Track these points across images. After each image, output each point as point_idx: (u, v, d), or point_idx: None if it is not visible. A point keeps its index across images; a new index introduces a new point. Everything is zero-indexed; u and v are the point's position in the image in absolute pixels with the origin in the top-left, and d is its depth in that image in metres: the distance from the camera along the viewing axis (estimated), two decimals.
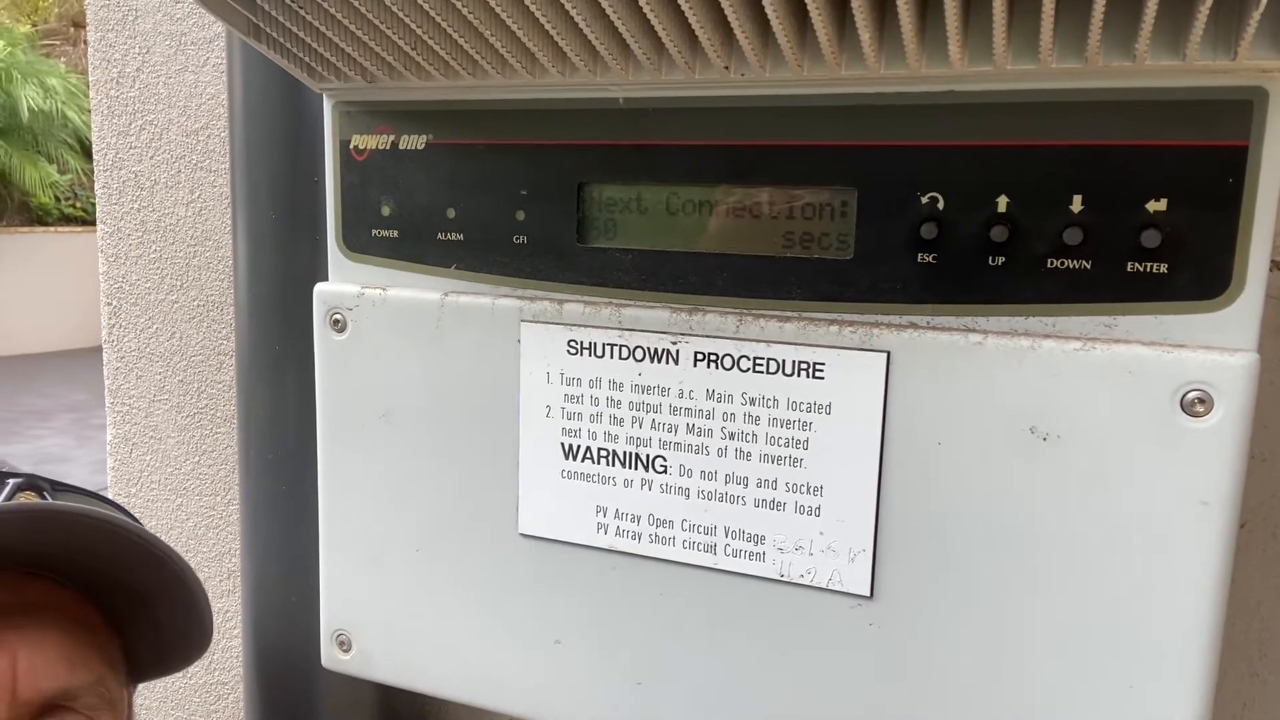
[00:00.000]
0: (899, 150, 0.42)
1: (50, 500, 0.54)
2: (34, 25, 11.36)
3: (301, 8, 0.44)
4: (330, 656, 0.59)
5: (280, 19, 0.45)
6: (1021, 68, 0.38)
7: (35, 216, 10.77)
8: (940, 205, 0.41)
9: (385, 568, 0.56)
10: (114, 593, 0.55)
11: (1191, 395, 0.38)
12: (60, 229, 10.75)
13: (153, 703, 0.93)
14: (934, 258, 0.42)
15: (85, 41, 0.83)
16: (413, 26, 0.43)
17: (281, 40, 0.47)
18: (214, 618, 0.59)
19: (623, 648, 0.51)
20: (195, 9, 0.80)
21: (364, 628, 0.58)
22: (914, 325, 0.43)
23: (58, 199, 10.83)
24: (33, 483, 0.55)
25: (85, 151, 10.35)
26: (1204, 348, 0.38)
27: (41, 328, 10.45)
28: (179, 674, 0.92)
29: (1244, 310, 0.38)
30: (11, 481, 0.54)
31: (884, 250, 0.43)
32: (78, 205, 10.98)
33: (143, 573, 0.54)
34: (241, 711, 0.79)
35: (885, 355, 0.43)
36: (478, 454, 0.52)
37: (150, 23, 0.81)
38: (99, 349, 0.86)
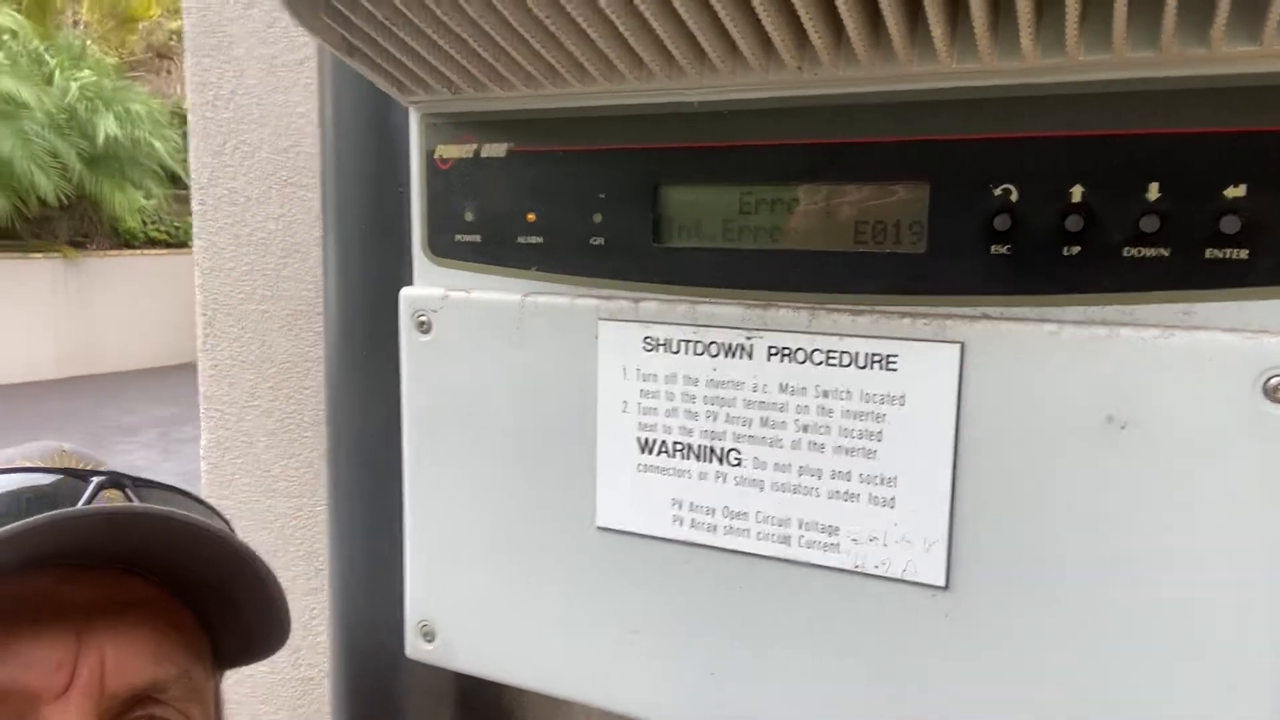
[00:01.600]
0: (971, 144, 0.42)
1: (133, 500, 0.55)
2: (122, 58, 11.91)
3: (394, 25, 0.47)
4: (414, 646, 0.62)
5: (375, 37, 0.48)
6: (1095, 58, 0.39)
7: (123, 240, 11.26)
8: (1013, 197, 0.42)
9: (467, 560, 0.58)
10: (200, 589, 0.57)
11: (1275, 381, 0.38)
12: (146, 251, 11.22)
13: (241, 696, 0.97)
14: (1008, 249, 0.42)
15: (169, 72, 0.88)
16: (496, 38, 0.46)
17: (374, 57, 0.50)
18: (302, 613, 0.61)
19: (698, 638, 0.52)
20: (286, 34, 0.84)
21: (446, 618, 0.60)
22: (987, 316, 0.43)
23: (144, 223, 11.30)
24: (116, 480, 0.56)
25: (169, 178, 10.80)
26: None
27: (129, 346, 10.90)
28: (268, 669, 0.96)
29: None
30: (95, 480, 0.55)
31: (957, 243, 0.43)
32: (162, 229, 11.44)
33: (223, 570, 0.56)
34: (328, 705, 0.83)
35: (959, 347, 0.43)
36: (557, 449, 0.54)
37: (244, 48, 0.86)
38: (182, 366, 0.90)
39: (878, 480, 0.46)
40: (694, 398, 0.50)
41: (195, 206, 0.90)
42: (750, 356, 0.48)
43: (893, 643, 0.47)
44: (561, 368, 0.53)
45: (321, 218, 0.70)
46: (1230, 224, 0.38)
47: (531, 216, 0.53)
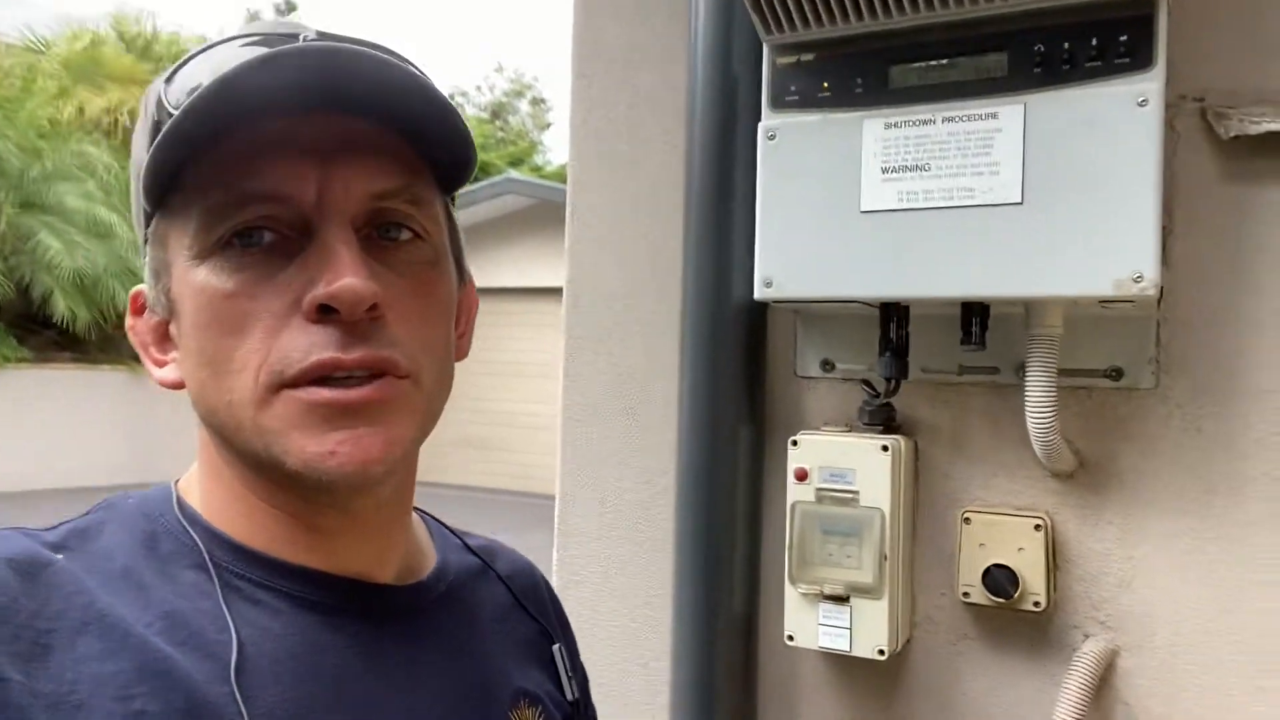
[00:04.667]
0: None
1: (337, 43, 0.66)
2: None
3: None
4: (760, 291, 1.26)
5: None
6: None
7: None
8: None
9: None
10: (408, 124, 0.69)
11: None
12: None
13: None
14: None
15: None
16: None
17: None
18: None
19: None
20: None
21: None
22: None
23: None
24: (321, 35, 0.68)
25: None
26: None
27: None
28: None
29: None
30: (303, 34, 0.67)
31: None
32: None
33: (419, 103, 0.67)
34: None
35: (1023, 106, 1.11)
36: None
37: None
38: None
39: (992, 166, 1.12)
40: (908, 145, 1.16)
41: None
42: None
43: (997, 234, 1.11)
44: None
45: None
46: None
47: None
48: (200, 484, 0.74)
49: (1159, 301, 1.20)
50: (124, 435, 11.49)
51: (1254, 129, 1.15)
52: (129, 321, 0.75)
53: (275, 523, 0.71)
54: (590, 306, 1.59)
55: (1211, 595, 1.18)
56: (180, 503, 0.73)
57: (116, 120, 13.94)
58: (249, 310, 0.65)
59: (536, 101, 29.28)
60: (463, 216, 0.81)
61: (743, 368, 1.40)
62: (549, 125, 28.69)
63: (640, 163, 1.54)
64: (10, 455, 11.93)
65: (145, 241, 0.72)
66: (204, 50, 0.69)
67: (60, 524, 0.70)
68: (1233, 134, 1.16)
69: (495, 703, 0.79)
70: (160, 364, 0.74)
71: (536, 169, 21.88)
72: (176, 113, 0.62)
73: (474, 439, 12.62)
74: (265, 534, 0.71)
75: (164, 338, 0.73)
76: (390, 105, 0.67)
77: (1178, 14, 1.12)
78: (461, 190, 0.81)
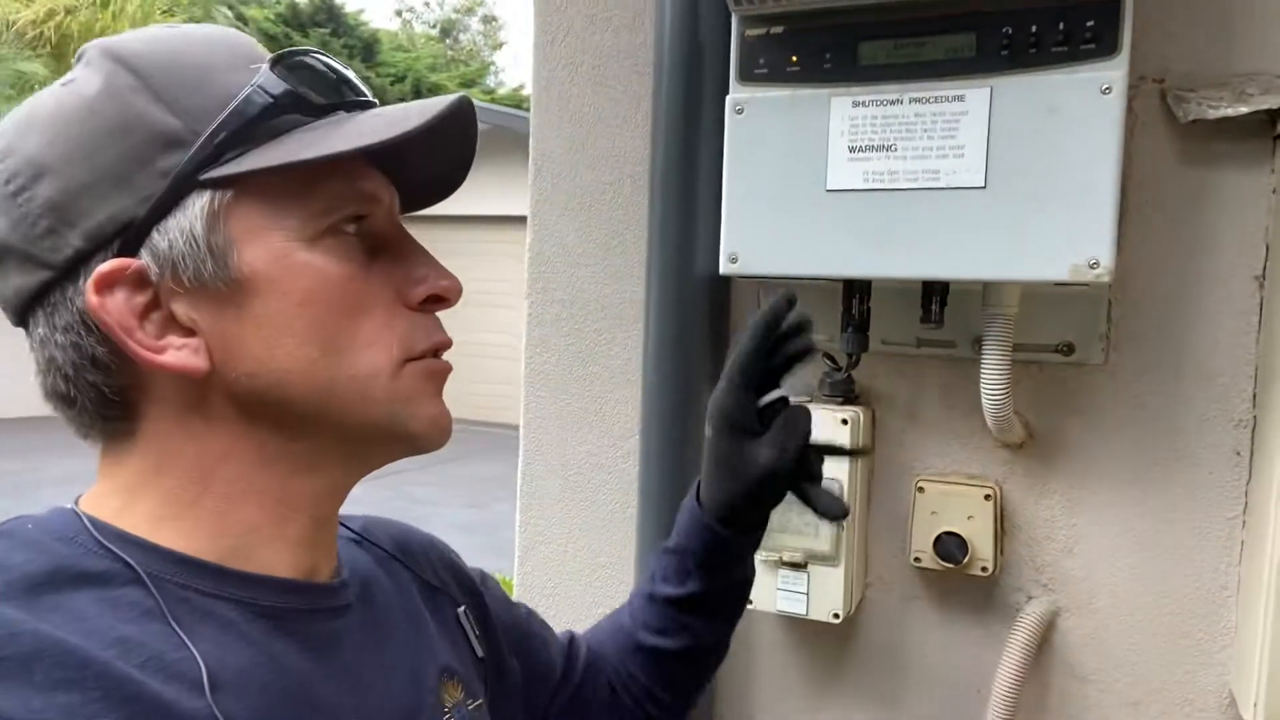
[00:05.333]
0: None
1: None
2: None
3: None
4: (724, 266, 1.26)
5: None
6: None
7: None
8: None
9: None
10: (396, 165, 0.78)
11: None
12: None
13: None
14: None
15: None
16: None
17: None
18: None
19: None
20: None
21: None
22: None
23: None
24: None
25: None
26: None
27: None
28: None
29: None
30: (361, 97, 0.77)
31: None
32: None
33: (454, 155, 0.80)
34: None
35: (989, 89, 1.11)
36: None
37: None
38: None
39: (957, 149, 1.13)
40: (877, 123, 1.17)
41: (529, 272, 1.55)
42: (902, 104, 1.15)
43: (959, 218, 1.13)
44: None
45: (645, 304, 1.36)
46: None
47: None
48: (145, 496, 0.70)
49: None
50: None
51: (1212, 113, 1.17)
52: (94, 301, 0.66)
53: (261, 517, 0.72)
54: (553, 273, 1.58)
55: (1149, 561, 1.24)
56: (95, 522, 0.68)
57: (43, 34, 13.19)
58: (366, 292, 0.73)
59: (488, 19, 28.35)
60: None
61: (706, 336, 1.42)
62: (501, 45, 27.87)
63: (605, 129, 1.52)
64: None
65: (154, 210, 0.67)
66: (302, 53, 0.74)
67: None
68: (1191, 118, 1.18)
69: (426, 685, 0.82)
70: (157, 350, 0.67)
71: (489, 92, 21.28)
72: (405, 130, 0.69)
73: None
74: (230, 538, 0.71)
75: (145, 318, 0.67)
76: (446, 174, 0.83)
77: None
78: None
